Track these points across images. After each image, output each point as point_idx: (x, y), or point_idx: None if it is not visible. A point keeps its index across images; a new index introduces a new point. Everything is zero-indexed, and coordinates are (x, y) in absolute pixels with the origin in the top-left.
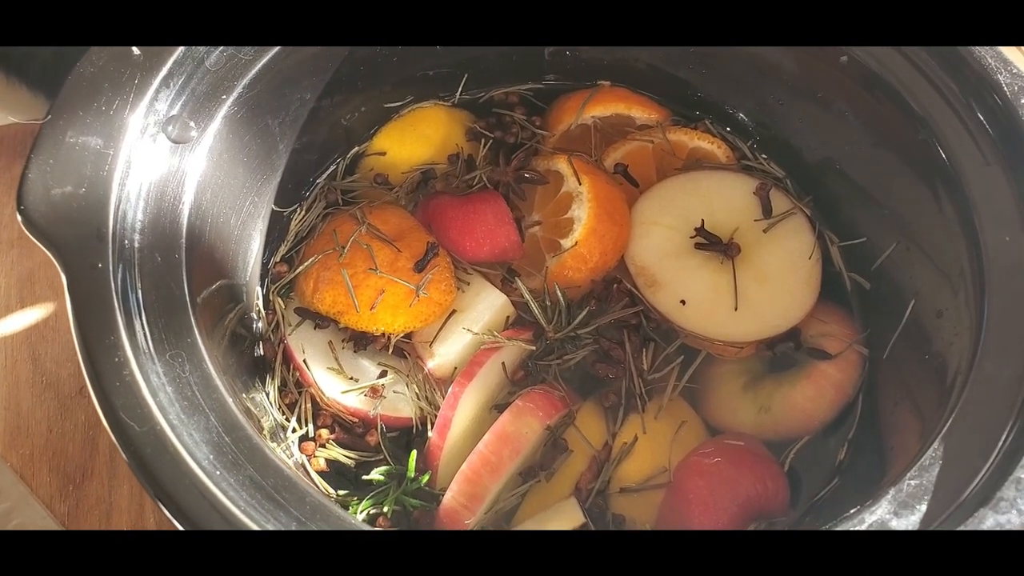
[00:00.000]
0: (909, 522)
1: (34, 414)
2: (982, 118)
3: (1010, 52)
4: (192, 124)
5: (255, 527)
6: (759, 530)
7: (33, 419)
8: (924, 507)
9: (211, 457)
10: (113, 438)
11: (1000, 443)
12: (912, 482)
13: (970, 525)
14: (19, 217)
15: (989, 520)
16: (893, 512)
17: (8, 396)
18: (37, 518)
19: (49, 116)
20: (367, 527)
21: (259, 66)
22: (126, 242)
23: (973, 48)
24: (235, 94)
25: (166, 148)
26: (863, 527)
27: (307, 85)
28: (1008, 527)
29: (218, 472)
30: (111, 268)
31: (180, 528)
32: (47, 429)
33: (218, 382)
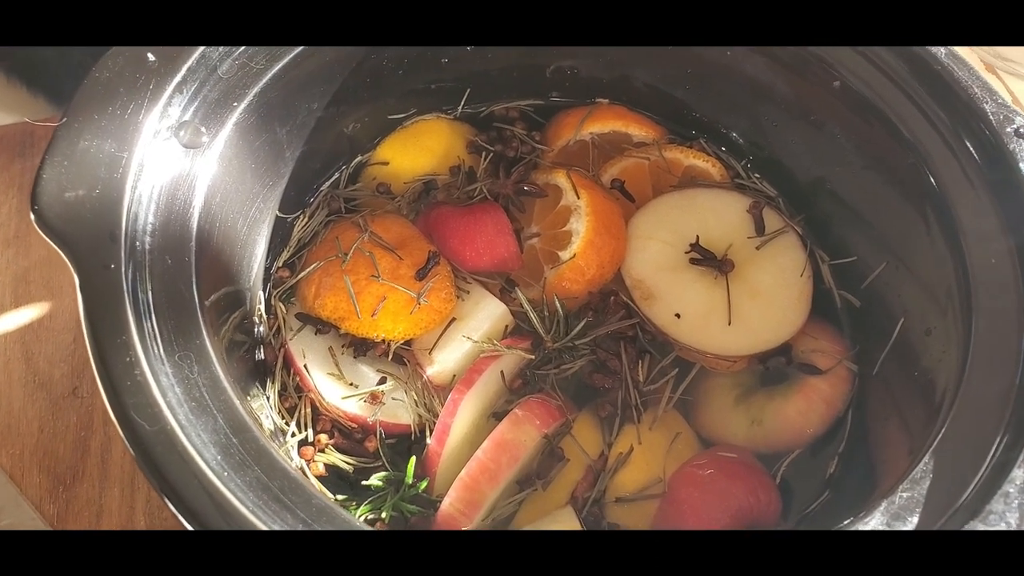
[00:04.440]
0: None
1: (25, 413)
2: (969, 145)
3: (995, 83)
4: (203, 130)
5: (263, 527)
6: (754, 530)
7: (24, 418)
8: (916, 519)
9: (219, 458)
10: (123, 437)
11: (988, 457)
12: (904, 494)
13: None
14: (33, 217)
15: None
16: (886, 524)
17: None
18: (26, 519)
19: (65, 119)
20: (371, 529)
21: (270, 75)
22: (137, 244)
23: (960, 78)
24: (246, 102)
25: (178, 152)
26: None
27: (315, 94)
28: None
29: (226, 472)
30: (123, 269)
31: (188, 527)
32: (38, 429)
33: (226, 384)
